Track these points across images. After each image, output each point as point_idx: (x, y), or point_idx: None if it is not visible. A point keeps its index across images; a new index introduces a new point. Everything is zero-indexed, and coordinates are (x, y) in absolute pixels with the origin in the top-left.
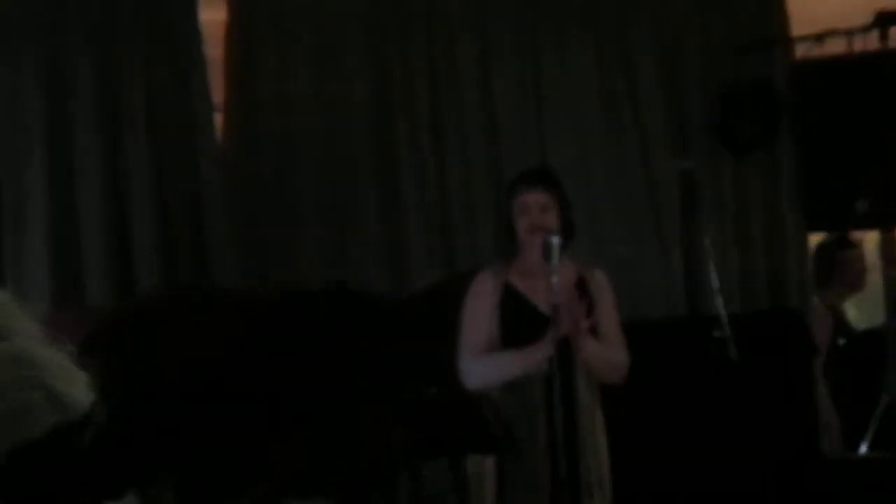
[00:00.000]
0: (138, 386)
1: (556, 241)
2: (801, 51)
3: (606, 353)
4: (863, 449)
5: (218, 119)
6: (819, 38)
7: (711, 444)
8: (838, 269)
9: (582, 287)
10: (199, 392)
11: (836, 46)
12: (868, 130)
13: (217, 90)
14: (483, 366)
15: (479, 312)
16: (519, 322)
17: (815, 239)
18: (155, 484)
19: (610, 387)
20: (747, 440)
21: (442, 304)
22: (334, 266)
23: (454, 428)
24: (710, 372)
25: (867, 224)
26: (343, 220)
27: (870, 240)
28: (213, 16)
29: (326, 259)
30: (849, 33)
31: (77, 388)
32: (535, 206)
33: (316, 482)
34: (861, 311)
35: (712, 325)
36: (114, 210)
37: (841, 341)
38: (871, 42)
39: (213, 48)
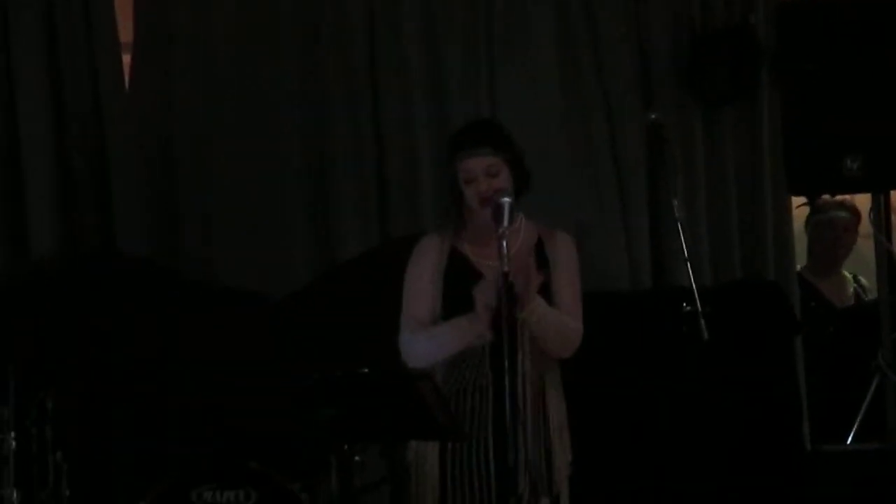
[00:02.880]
0: None
1: (506, 201)
2: None
3: (557, 319)
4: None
5: (125, 60)
6: None
7: (680, 430)
8: (815, 236)
9: (539, 250)
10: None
11: None
12: (860, 80)
13: (124, 27)
14: (420, 342)
15: (422, 282)
16: (464, 292)
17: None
18: None
19: (569, 366)
20: (720, 427)
21: (375, 274)
22: (253, 228)
23: (388, 411)
24: (679, 351)
25: (858, 186)
26: (265, 176)
27: (861, 204)
28: None
29: (244, 220)
30: None
31: None
32: (482, 172)
33: (231, 472)
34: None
35: (681, 299)
36: (6, 162)
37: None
38: None
39: None
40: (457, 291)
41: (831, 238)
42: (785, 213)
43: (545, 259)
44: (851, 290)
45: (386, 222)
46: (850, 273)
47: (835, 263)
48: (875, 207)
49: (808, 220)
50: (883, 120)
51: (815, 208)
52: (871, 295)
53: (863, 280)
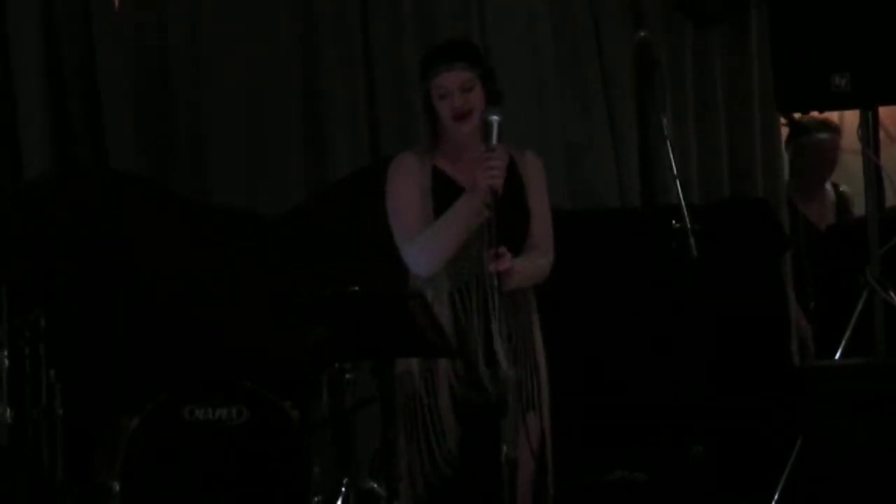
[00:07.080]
0: None
1: (495, 119)
2: None
3: (531, 268)
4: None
5: None
6: None
7: (668, 347)
8: (798, 157)
9: (512, 169)
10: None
11: None
12: None
13: None
14: (425, 242)
15: (411, 196)
16: None
17: None
18: None
19: (557, 284)
20: (708, 343)
21: (367, 193)
22: (246, 146)
23: (379, 329)
24: (668, 268)
25: (846, 103)
26: (259, 96)
27: (849, 121)
28: None
29: (238, 138)
30: None
31: None
32: (456, 88)
33: (223, 389)
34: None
35: (671, 216)
36: None
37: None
38: None
39: None
40: (446, 208)
41: (815, 160)
42: (773, 130)
43: (518, 177)
44: (833, 203)
45: (377, 143)
46: (831, 184)
47: (820, 184)
48: (863, 124)
49: (789, 142)
50: (870, 36)
51: (798, 130)
52: (853, 201)
53: (843, 187)
